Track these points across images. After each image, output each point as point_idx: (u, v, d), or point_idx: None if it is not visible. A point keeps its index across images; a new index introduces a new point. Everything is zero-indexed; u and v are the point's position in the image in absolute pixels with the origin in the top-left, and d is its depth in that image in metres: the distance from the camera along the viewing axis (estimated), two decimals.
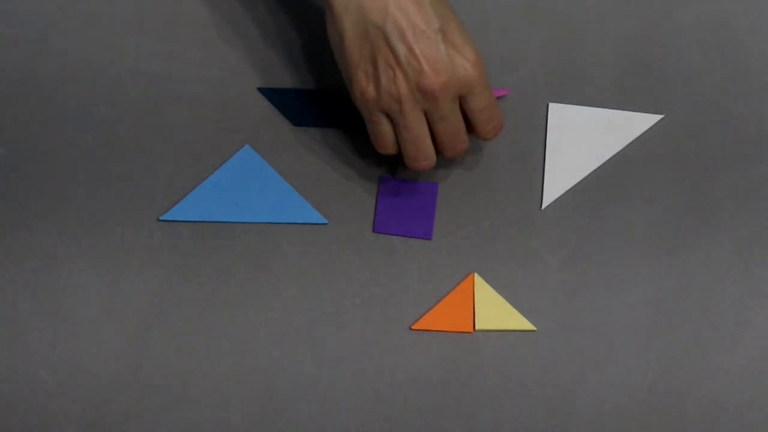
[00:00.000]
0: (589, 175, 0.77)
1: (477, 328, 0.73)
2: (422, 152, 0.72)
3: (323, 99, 0.80)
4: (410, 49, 0.69)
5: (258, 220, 0.75)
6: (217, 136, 0.78)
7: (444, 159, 0.76)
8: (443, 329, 0.73)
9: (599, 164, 0.78)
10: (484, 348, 0.73)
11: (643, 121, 0.79)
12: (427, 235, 0.76)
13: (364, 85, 0.70)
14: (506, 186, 0.77)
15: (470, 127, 0.73)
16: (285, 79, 0.80)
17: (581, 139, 0.78)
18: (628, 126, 0.79)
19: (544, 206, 0.77)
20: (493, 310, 0.73)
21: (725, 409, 0.71)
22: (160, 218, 0.75)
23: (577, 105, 0.79)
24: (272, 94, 0.80)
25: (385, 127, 0.72)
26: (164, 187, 0.76)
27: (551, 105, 0.79)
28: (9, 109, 0.78)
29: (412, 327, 0.73)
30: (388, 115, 0.71)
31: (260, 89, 0.79)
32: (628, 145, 0.78)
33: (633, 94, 0.80)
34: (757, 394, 0.72)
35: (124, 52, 0.80)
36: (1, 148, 0.77)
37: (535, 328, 0.73)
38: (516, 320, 0.73)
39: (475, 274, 0.74)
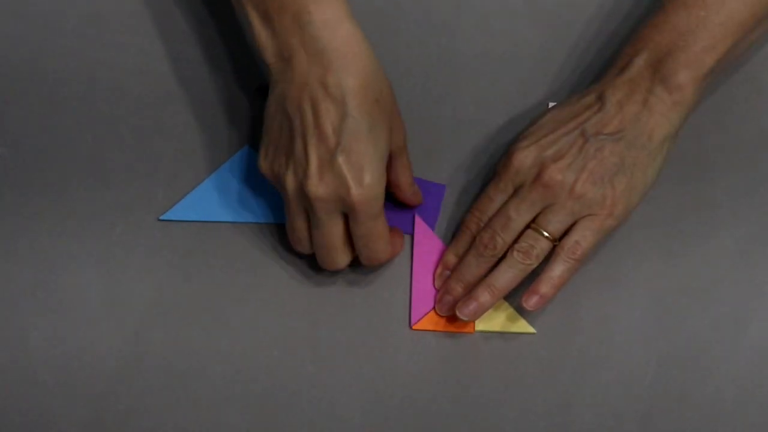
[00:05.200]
0: None
1: (477, 329, 0.73)
2: (319, 252, 0.71)
3: None
4: (305, 148, 0.67)
5: (258, 220, 0.75)
6: (217, 136, 0.78)
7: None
8: (444, 329, 0.73)
9: None
10: (484, 349, 0.73)
11: None
12: None
13: (261, 157, 0.70)
14: None
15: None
16: None
17: None
18: None
19: None
20: (494, 312, 0.73)
21: (725, 409, 0.71)
22: (160, 218, 0.75)
23: None
24: None
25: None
26: (164, 187, 0.76)
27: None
28: (9, 109, 0.78)
29: (413, 327, 0.73)
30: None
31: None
32: None
33: None
34: (757, 394, 0.72)
35: (124, 51, 0.80)
36: (1, 148, 0.77)
37: (534, 331, 0.73)
38: (516, 323, 0.73)
39: None
